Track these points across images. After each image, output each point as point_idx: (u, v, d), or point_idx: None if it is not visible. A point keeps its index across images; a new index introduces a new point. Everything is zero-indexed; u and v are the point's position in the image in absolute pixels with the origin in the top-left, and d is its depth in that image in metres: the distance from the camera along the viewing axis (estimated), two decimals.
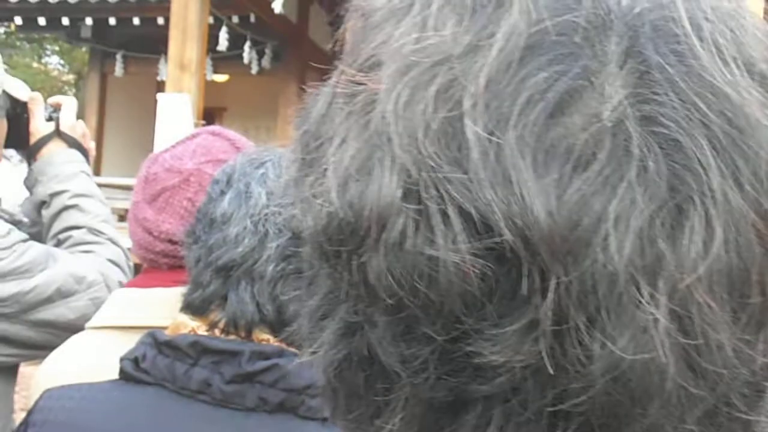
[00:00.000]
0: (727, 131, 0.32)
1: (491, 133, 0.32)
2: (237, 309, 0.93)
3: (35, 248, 1.46)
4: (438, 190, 0.32)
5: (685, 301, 0.32)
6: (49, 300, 1.44)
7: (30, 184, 1.66)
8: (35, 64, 15.94)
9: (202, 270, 0.96)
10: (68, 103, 1.70)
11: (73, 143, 1.67)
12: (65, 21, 9.48)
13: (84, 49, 11.57)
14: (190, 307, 0.97)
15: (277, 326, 0.94)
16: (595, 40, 0.34)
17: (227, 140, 1.33)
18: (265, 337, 0.95)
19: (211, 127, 1.39)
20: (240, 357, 0.92)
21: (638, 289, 0.31)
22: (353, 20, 0.40)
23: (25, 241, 1.46)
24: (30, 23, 9.61)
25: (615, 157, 0.32)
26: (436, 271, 0.32)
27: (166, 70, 7.44)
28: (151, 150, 7.16)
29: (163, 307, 1.17)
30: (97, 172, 9.01)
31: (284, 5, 6.97)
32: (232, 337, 0.95)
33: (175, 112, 6.83)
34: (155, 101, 7.14)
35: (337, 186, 0.35)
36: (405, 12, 0.37)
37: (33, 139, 1.64)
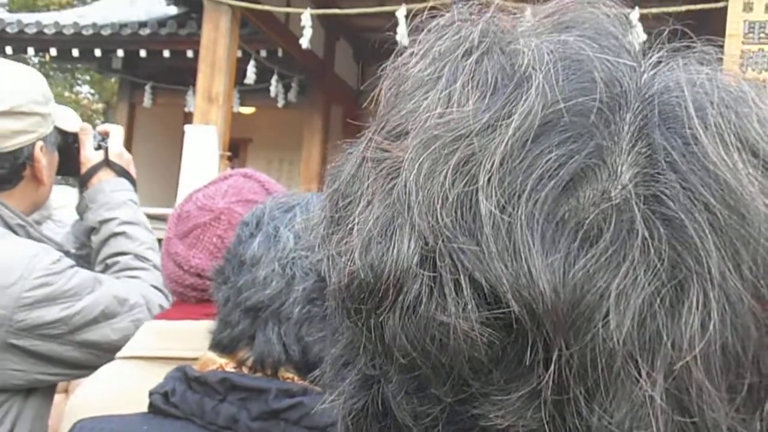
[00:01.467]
0: (727, 216, 0.33)
1: (503, 209, 0.34)
2: (264, 349, 0.97)
3: (82, 273, 1.54)
4: (452, 259, 0.34)
5: (682, 379, 0.32)
6: (94, 321, 1.51)
7: (81, 210, 1.75)
8: (67, 93, 16.28)
9: (231, 310, 0.99)
10: (115, 132, 1.80)
11: (121, 172, 1.77)
12: (98, 52, 9.70)
13: (114, 79, 11.80)
14: (218, 346, 1.00)
15: (302, 366, 0.97)
16: (609, 119, 0.36)
17: (258, 182, 1.37)
18: (290, 376, 0.98)
19: (244, 170, 1.44)
20: (267, 394, 0.95)
21: (636, 366, 0.32)
22: (387, 84, 0.42)
23: (72, 267, 1.53)
24: (64, 54, 9.84)
25: (620, 235, 0.33)
26: (446, 337, 0.34)
27: (194, 102, 7.55)
28: (177, 180, 7.24)
29: (191, 340, 1.20)
30: None
31: (311, 41, 7.08)
32: (258, 374, 0.98)
33: (202, 143, 6.93)
34: (182, 132, 7.25)
35: (360, 246, 0.37)
36: (433, 84, 0.39)
37: (84, 168, 1.74)
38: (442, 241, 0.34)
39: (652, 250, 0.33)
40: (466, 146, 0.36)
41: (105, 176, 1.74)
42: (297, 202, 1.04)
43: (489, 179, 0.35)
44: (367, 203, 0.38)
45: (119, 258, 1.68)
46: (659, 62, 0.40)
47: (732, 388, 0.33)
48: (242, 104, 9.55)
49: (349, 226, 0.38)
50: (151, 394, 0.99)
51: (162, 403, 0.97)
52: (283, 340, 0.96)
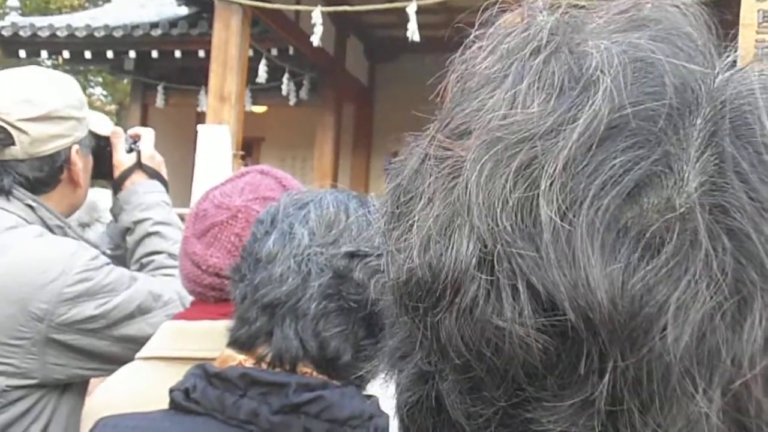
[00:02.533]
0: None
1: (564, 215, 0.33)
2: (282, 345, 0.97)
3: (118, 270, 1.60)
4: (510, 264, 0.34)
5: (740, 397, 0.32)
6: (131, 316, 1.57)
7: (115, 212, 1.81)
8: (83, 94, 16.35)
9: (249, 307, 1.00)
10: (146, 135, 1.86)
11: (153, 174, 1.83)
12: (110, 54, 9.75)
13: (126, 80, 11.87)
14: (236, 343, 1.01)
15: (319, 361, 0.98)
16: (679, 125, 0.35)
17: (275, 179, 1.37)
18: (309, 371, 0.99)
19: (260, 166, 1.44)
20: (287, 389, 0.96)
21: (692, 381, 0.32)
22: (454, 79, 0.42)
23: (108, 264, 1.59)
24: (77, 56, 9.90)
25: (683, 247, 0.32)
26: (502, 341, 0.34)
27: (206, 102, 7.58)
28: (191, 180, 7.28)
29: (210, 339, 1.21)
30: None
31: (322, 38, 7.09)
32: (277, 370, 0.99)
33: (215, 142, 6.96)
34: (195, 132, 7.28)
35: (419, 244, 0.37)
36: (499, 83, 0.38)
37: (117, 171, 1.80)
38: (501, 244, 0.34)
39: (715, 264, 0.32)
40: (529, 149, 0.35)
41: (138, 179, 1.80)
42: (311, 199, 1.04)
43: (551, 184, 0.34)
44: (428, 201, 0.38)
45: (154, 257, 1.73)
46: (734, 65, 0.38)
47: None
48: (254, 103, 9.57)
49: (410, 222, 0.38)
50: (171, 391, 1.00)
51: (183, 400, 0.98)
52: (300, 336, 0.97)
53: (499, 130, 0.36)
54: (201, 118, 8.04)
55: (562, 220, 0.33)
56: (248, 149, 9.46)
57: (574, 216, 0.34)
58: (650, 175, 0.34)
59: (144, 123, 10.57)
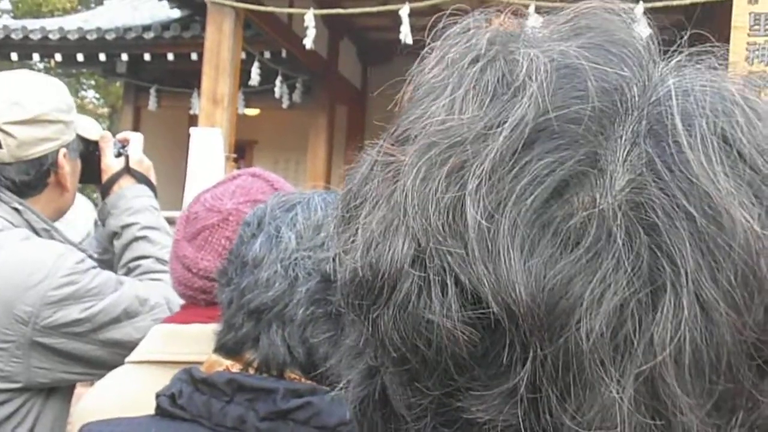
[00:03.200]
0: (706, 225, 0.34)
1: (490, 215, 0.35)
2: (269, 351, 0.96)
3: (104, 273, 1.59)
4: (440, 261, 0.36)
5: (651, 383, 0.33)
6: (117, 320, 1.56)
7: (103, 216, 1.80)
8: (72, 98, 16.29)
9: (235, 312, 0.98)
10: (135, 139, 1.85)
11: (141, 178, 1.82)
12: (102, 57, 9.72)
13: (119, 83, 11.83)
14: (223, 348, 1.00)
15: (307, 367, 0.97)
16: (606, 126, 0.37)
17: (266, 182, 1.36)
18: (296, 377, 0.97)
19: (252, 169, 1.44)
20: (274, 395, 0.94)
21: (605, 370, 0.33)
22: (409, 89, 0.44)
23: (94, 267, 1.58)
24: (69, 59, 9.87)
25: (599, 241, 0.34)
26: (432, 334, 0.36)
27: (199, 105, 7.57)
28: (183, 183, 7.27)
29: (201, 343, 1.19)
30: None
31: (315, 41, 7.08)
32: (265, 375, 0.97)
33: (207, 145, 6.93)
34: (188, 135, 7.26)
35: (363, 246, 0.39)
36: (441, 91, 0.40)
37: (105, 176, 1.79)
38: (433, 243, 0.36)
39: (630, 257, 0.34)
40: (461, 153, 0.37)
41: (126, 183, 1.79)
42: (299, 201, 1.03)
43: (477, 185, 0.36)
44: (373, 205, 0.40)
45: (141, 261, 1.72)
46: (673, 70, 0.40)
47: (704, 394, 0.34)
48: (247, 106, 9.56)
49: (356, 226, 0.40)
50: (158, 396, 0.98)
51: (169, 405, 0.96)
52: (287, 342, 0.95)
53: (435, 135, 0.38)
54: (194, 121, 8.03)
55: (486, 220, 0.35)
56: (241, 152, 9.44)
57: (498, 215, 0.35)
58: (575, 175, 0.36)
59: (136, 126, 10.55)
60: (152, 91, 10.13)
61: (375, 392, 0.41)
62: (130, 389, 1.28)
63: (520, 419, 0.35)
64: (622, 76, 0.38)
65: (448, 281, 0.36)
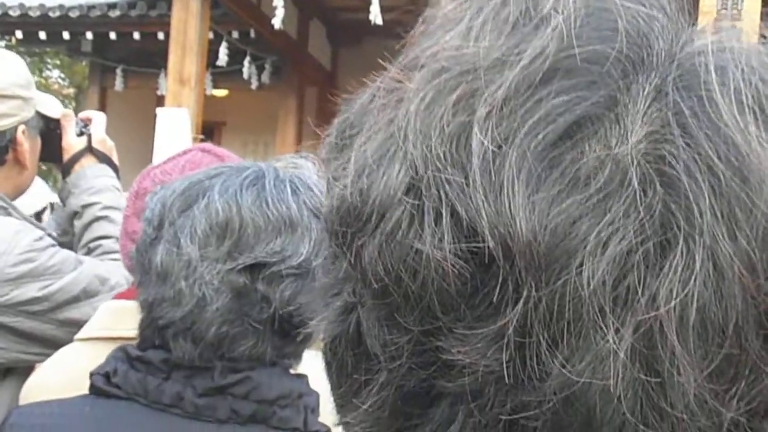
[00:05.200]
0: (730, 179, 0.32)
1: (498, 146, 0.33)
2: (186, 358, 0.93)
3: (63, 252, 1.57)
4: (437, 190, 0.34)
5: (651, 337, 0.31)
6: (76, 299, 1.53)
7: (64, 196, 1.77)
8: (36, 78, 15.98)
9: (148, 324, 0.96)
10: (98, 119, 1.82)
11: (104, 158, 1.79)
12: (66, 35, 9.52)
13: (84, 63, 11.62)
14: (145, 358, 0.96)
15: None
16: (628, 71, 0.35)
17: (216, 156, 1.35)
18: None
19: (203, 144, 1.43)
20: (212, 371, 0.93)
21: (604, 318, 0.32)
22: (418, 26, 0.42)
23: (53, 245, 1.55)
24: (31, 37, 9.65)
25: (611, 184, 0.32)
26: (419, 264, 0.34)
27: (166, 85, 7.47)
28: (150, 163, 7.21)
29: None
30: None
31: (284, 21, 7.00)
32: None
33: (174, 126, 6.85)
34: (155, 115, 7.17)
35: (354, 172, 0.37)
36: (457, 22, 0.38)
37: (66, 155, 1.75)
38: (432, 170, 0.34)
39: (642, 204, 0.32)
40: (473, 80, 0.35)
41: (88, 162, 1.76)
42: (196, 196, 0.94)
43: (488, 114, 0.34)
44: (371, 132, 0.38)
45: (102, 242, 1.69)
46: (705, 30, 0.38)
47: (707, 356, 0.32)
48: (215, 87, 9.44)
49: (350, 154, 0.38)
50: (92, 375, 0.96)
51: (104, 384, 0.94)
52: (203, 357, 0.93)
53: (446, 60, 0.36)
54: (161, 101, 7.92)
55: (493, 150, 0.33)
56: (209, 133, 9.33)
57: (506, 147, 0.33)
58: (588, 117, 0.34)
59: (103, 106, 10.37)
60: (118, 71, 9.95)
61: (349, 330, 0.39)
62: (78, 366, 1.26)
63: (504, 364, 0.33)
64: (654, 22, 0.36)
65: (444, 211, 0.33)
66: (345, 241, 0.37)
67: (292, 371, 0.97)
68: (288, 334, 0.92)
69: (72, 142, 1.75)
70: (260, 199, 0.93)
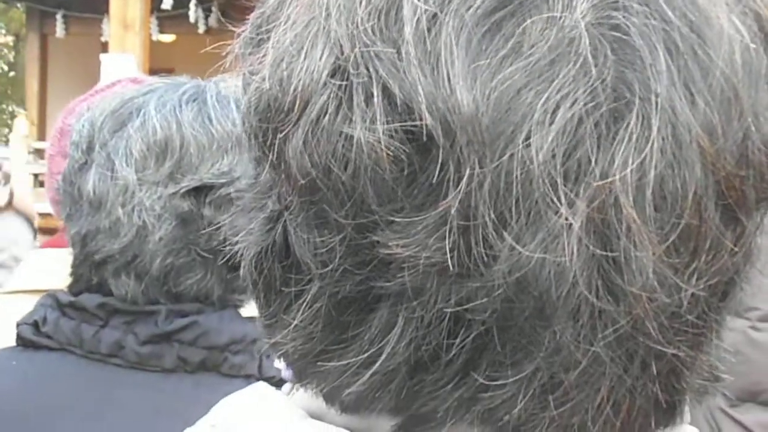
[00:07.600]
0: (686, 36, 0.30)
1: (432, 14, 0.30)
2: (127, 297, 0.84)
3: None
4: (367, 68, 0.31)
5: (606, 209, 0.29)
6: None
7: None
8: None
9: (80, 262, 0.84)
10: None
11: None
12: None
13: (21, 8, 11.09)
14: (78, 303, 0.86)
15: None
16: None
17: None
18: None
19: (133, 76, 1.32)
20: (156, 316, 0.84)
21: (555, 192, 0.29)
22: None
23: None
24: None
25: (558, 48, 0.30)
26: (350, 151, 0.31)
27: (109, 30, 7.19)
28: None
29: None
30: (41, 136, 8.70)
31: None
32: None
33: (120, 72, 6.59)
34: (99, 62, 6.90)
35: (272, 62, 0.34)
36: None
37: None
38: (359, 47, 0.31)
39: (593, 69, 0.30)
40: None
41: None
42: (129, 114, 0.84)
43: None
44: (288, 22, 0.35)
45: None
46: None
47: (666, 228, 0.30)
48: (162, 32, 9.15)
49: (267, 46, 0.36)
50: (18, 325, 0.86)
51: (32, 335, 0.85)
52: (147, 294, 0.82)
53: None
54: (106, 48, 7.65)
55: (427, 19, 0.30)
56: None
57: (441, 13, 0.30)
58: None
59: (44, 54, 9.99)
60: (59, 16, 9.55)
61: (275, 241, 0.36)
62: (7, 321, 1.16)
63: (448, 253, 0.30)
64: None
65: (375, 90, 0.31)
66: (266, 140, 0.34)
67: (243, 313, 0.88)
68: (237, 266, 0.83)
69: None
70: (202, 114, 0.83)
